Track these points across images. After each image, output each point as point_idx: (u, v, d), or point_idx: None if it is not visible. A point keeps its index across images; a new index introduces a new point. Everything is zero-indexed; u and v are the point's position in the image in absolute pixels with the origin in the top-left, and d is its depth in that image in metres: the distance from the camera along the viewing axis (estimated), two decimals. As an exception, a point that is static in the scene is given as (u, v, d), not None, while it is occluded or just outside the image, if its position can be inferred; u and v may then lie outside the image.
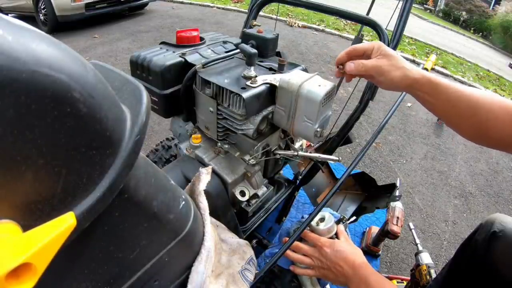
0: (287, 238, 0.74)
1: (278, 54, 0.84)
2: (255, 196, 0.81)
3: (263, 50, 0.78)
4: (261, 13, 1.02)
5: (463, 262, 0.77)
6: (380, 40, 0.80)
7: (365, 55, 0.61)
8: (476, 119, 0.57)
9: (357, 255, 0.68)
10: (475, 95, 0.57)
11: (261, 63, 0.76)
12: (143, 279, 0.41)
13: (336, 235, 0.77)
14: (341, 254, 0.68)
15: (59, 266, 0.28)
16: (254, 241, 0.98)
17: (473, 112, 0.56)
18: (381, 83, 0.60)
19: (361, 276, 0.64)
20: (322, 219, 0.80)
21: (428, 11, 10.67)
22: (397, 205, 1.30)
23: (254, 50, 0.65)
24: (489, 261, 0.69)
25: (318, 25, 5.10)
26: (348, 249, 0.70)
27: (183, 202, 0.44)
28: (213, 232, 0.57)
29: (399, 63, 0.57)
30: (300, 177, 1.03)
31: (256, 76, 0.66)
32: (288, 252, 0.73)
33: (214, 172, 0.71)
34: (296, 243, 0.74)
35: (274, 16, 4.83)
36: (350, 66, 0.60)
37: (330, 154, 0.98)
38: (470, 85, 3.92)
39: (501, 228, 0.69)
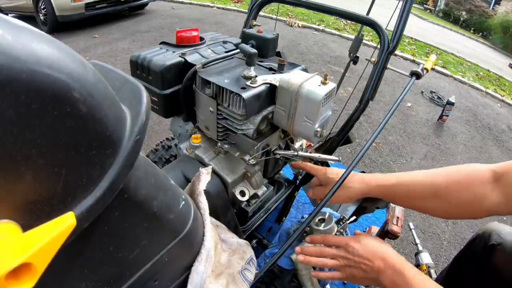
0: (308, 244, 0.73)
1: (278, 54, 0.84)
2: (255, 196, 0.80)
3: (263, 50, 0.78)
4: (261, 13, 1.02)
5: (461, 274, 0.77)
6: (380, 40, 0.80)
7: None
8: (441, 199, 0.63)
9: (385, 247, 0.65)
10: (433, 178, 0.64)
11: (261, 63, 0.76)
12: (143, 279, 0.41)
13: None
14: (370, 247, 0.65)
15: (59, 266, 0.28)
16: (254, 241, 0.98)
17: (435, 194, 0.63)
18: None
19: (395, 267, 0.60)
20: (322, 219, 0.80)
21: (428, 11, 10.66)
22: (397, 205, 1.30)
23: (254, 50, 0.65)
24: (488, 274, 0.69)
25: (318, 25, 5.10)
26: (375, 241, 0.66)
27: (183, 202, 0.44)
28: (213, 232, 0.57)
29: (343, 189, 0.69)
30: (300, 177, 1.03)
31: (256, 76, 0.66)
32: (310, 258, 0.69)
33: (214, 172, 0.71)
34: (319, 248, 0.71)
35: (274, 16, 4.83)
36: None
37: (330, 154, 0.98)
38: (470, 85, 3.95)
39: (499, 241, 0.71)
